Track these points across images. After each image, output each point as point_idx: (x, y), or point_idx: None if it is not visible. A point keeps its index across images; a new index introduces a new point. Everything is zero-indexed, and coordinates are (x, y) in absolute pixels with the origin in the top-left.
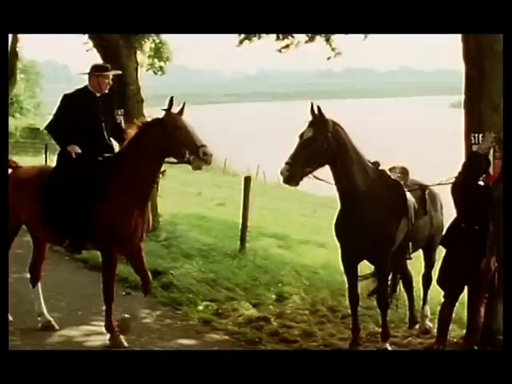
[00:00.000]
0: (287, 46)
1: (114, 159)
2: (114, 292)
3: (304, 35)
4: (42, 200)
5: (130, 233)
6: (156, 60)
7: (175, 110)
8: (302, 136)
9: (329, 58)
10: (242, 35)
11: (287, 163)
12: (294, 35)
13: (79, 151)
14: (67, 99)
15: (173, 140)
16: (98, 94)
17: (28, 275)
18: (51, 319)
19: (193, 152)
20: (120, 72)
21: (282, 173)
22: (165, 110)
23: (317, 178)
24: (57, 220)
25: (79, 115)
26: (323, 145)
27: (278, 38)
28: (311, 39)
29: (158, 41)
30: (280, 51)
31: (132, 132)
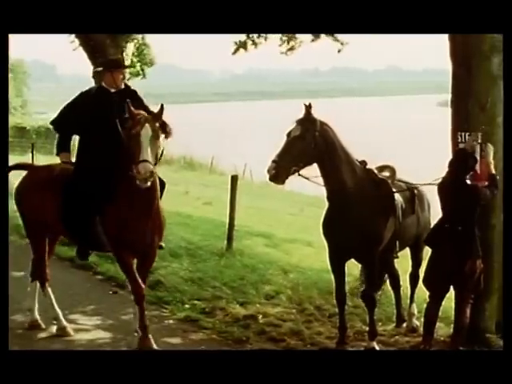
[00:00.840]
0: (292, 48)
1: (124, 161)
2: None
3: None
4: (62, 200)
5: (137, 237)
6: (138, 64)
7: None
8: (289, 134)
9: (339, 51)
10: (238, 43)
11: (274, 161)
12: (298, 36)
13: (68, 161)
14: (81, 97)
15: (127, 148)
16: (113, 90)
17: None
18: (38, 318)
19: (135, 166)
20: (134, 66)
21: (268, 171)
22: (134, 113)
23: (304, 177)
24: (69, 221)
25: (90, 114)
26: (310, 143)
27: (282, 41)
28: (316, 37)
29: (142, 42)
30: (286, 54)
31: None
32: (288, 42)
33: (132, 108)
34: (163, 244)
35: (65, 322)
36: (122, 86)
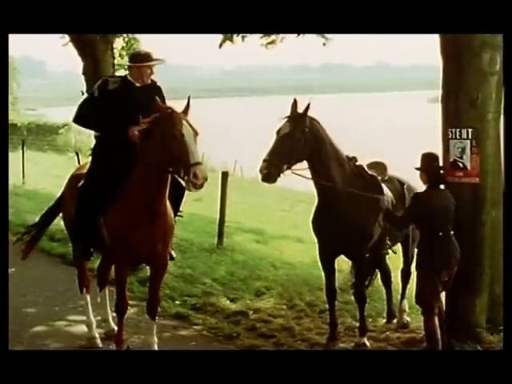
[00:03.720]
0: (273, 42)
1: (132, 162)
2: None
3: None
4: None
5: (133, 245)
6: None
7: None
8: (278, 132)
9: (324, 44)
10: (222, 37)
11: (265, 160)
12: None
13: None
14: (101, 89)
15: (165, 149)
16: (138, 85)
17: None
18: (115, 327)
19: (185, 171)
20: (164, 60)
21: (260, 170)
22: (163, 108)
23: (297, 174)
24: (76, 220)
25: (113, 106)
26: (300, 140)
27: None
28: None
29: (131, 36)
30: (266, 47)
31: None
32: (269, 36)
33: (162, 105)
34: (174, 254)
35: (113, 325)
36: (149, 82)
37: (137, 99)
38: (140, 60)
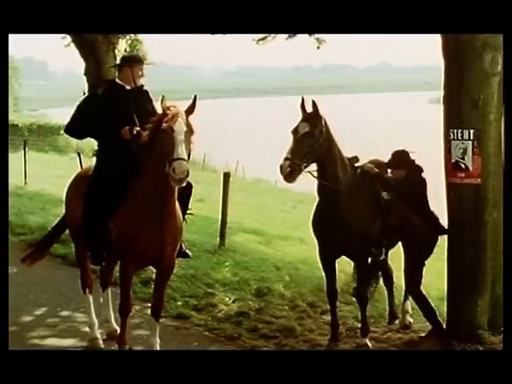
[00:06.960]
0: (264, 38)
1: (138, 163)
2: (131, 303)
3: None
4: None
5: (142, 247)
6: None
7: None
8: (296, 131)
9: (318, 48)
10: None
11: (287, 158)
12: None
13: (135, 130)
14: (93, 97)
15: (157, 144)
16: (128, 87)
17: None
18: (117, 328)
19: (168, 165)
20: (153, 63)
21: (282, 168)
22: (167, 107)
23: (313, 176)
24: (85, 225)
25: (105, 110)
26: (319, 140)
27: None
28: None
29: (134, 38)
30: (257, 43)
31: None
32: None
33: (166, 102)
34: (189, 252)
35: (115, 326)
36: (139, 84)
37: (128, 101)
38: (133, 61)
